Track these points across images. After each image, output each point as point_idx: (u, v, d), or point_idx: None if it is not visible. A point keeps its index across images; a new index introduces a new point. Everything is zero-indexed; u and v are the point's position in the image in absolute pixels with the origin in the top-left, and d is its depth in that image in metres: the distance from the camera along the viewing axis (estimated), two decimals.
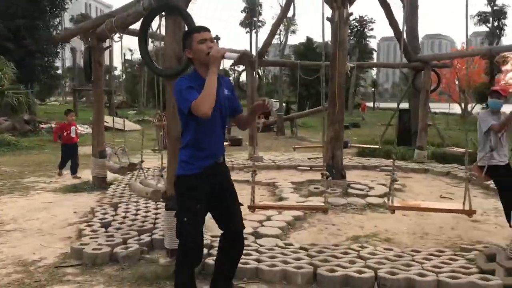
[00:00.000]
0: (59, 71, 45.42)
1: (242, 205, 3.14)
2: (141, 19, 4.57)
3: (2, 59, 15.86)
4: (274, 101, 39.11)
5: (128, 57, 51.72)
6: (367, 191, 6.92)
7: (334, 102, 6.86)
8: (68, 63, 73.11)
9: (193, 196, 2.91)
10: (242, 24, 56.90)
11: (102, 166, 7.56)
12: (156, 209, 5.65)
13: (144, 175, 5.62)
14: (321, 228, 5.29)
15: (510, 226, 4.77)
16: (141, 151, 6.03)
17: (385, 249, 4.31)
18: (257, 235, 4.80)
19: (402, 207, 4.78)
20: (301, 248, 4.32)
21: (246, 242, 4.41)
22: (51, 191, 7.54)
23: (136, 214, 5.44)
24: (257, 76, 11.50)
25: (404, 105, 15.38)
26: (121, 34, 6.09)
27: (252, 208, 4.50)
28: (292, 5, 10.11)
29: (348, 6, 6.73)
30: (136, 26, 5.79)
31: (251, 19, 54.72)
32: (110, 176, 7.86)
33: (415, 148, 10.99)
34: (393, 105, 57.77)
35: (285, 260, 3.94)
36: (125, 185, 7.31)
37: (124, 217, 5.31)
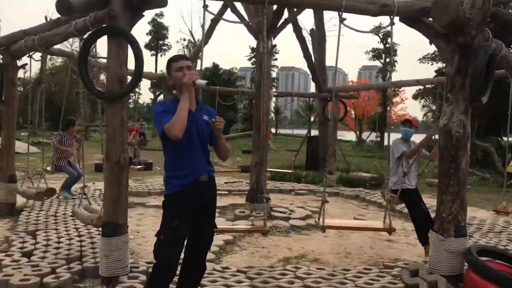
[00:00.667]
0: None
1: (216, 227, 3.22)
2: (71, 39, 4.47)
3: None
4: None
5: (20, 75, 48.31)
6: (289, 213, 7.21)
7: (259, 128, 7.11)
8: None
9: (172, 214, 2.97)
10: (147, 46, 56.11)
11: (12, 192, 7.02)
12: (79, 236, 5.40)
13: (89, 200, 5.38)
14: (252, 251, 5.42)
15: (422, 245, 5.27)
16: (83, 176, 5.72)
17: (317, 268, 4.55)
18: None
19: (333, 226, 5.09)
20: (238, 271, 4.41)
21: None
22: None
23: (59, 242, 5.14)
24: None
25: (303, 132, 16.24)
26: (45, 54, 5.83)
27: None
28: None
29: (272, 38, 7.10)
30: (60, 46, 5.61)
31: (156, 42, 54.22)
32: (19, 202, 7.32)
33: (326, 173, 11.62)
34: (295, 131, 60.34)
35: (226, 284, 4.01)
36: (38, 211, 6.85)
37: (47, 245, 5.00)
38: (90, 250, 4.87)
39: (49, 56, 8.06)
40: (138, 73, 3.96)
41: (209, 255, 4.92)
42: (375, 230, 5.33)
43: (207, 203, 3.14)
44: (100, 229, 4.31)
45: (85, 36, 4.23)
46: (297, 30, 8.69)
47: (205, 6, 4.11)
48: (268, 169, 11.87)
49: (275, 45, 7.16)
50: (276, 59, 52.08)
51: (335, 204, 9.02)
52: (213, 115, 3.12)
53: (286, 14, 7.13)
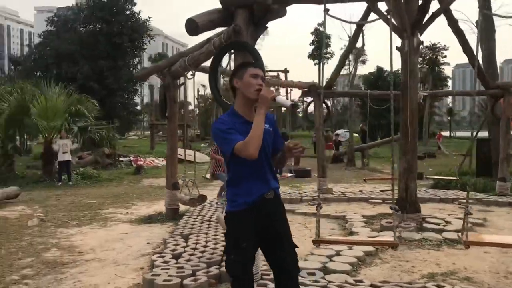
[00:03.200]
0: (138, 107, 48.02)
1: (297, 246, 2.97)
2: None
3: (86, 97, 17.08)
4: (344, 131, 38.62)
5: (201, 92, 53.79)
6: (444, 225, 6.57)
7: (406, 131, 6.66)
8: (146, 99, 77.24)
9: (239, 233, 2.84)
10: (310, 56, 57.36)
11: (175, 198, 7.80)
12: (224, 241, 5.71)
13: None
14: (394, 265, 5.06)
15: None
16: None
17: None
18: (325, 270, 4.67)
19: (479, 242, 4.47)
20: (372, 285, 4.16)
21: (314, 278, 4.35)
22: (127, 222, 7.88)
23: (205, 246, 5.53)
24: (325, 107, 11.49)
25: (484, 134, 14.60)
26: (194, 72, 6.36)
27: (317, 242, 4.42)
28: (361, 35, 10.08)
29: (418, 35, 6.59)
30: (208, 63, 6.06)
31: (319, 51, 55.10)
32: (182, 207, 8.09)
33: (497, 180, 10.32)
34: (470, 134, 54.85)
35: None
36: (196, 216, 7.48)
37: (194, 249, 5.41)
38: None
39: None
40: None
41: (345, 267, 4.78)
42: None
43: (274, 222, 2.91)
44: None
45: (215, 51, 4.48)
46: (452, 23, 7.91)
47: (326, 10, 4.01)
48: (428, 176, 11.10)
49: (421, 42, 6.61)
50: (445, 56, 48.26)
51: (506, 216, 7.93)
52: (272, 122, 2.93)
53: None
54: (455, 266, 4.95)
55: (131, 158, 21.20)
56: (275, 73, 28.59)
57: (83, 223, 7.76)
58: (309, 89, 10.98)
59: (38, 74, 25.54)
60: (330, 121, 34.61)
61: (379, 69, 46.17)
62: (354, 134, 19.39)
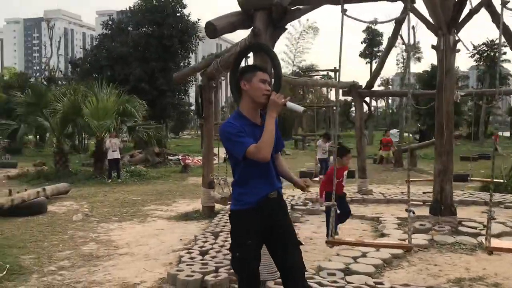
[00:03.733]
0: (193, 107, 48.82)
1: (301, 244, 3.04)
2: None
3: (135, 98, 17.70)
4: (397, 131, 37.66)
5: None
6: (481, 229, 6.31)
7: (441, 132, 6.47)
8: None
9: (244, 231, 2.92)
10: (362, 54, 56.36)
11: (210, 196, 7.98)
12: None
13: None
14: (420, 268, 4.95)
15: None
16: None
17: None
18: (347, 271, 4.65)
19: (503, 248, 4.30)
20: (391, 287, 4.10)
21: (333, 278, 4.34)
22: (165, 219, 8.14)
23: None
24: (366, 107, 11.33)
25: None
26: (226, 73, 6.50)
27: (330, 243, 4.41)
28: (413, 32, 9.85)
29: (455, 32, 6.39)
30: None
31: (371, 49, 54.06)
32: (219, 205, 8.25)
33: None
34: None
35: None
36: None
37: (222, 246, 5.52)
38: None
39: None
40: (276, 90, 4.09)
41: (369, 269, 4.74)
42: None
43: (276, 221, 2.97)
44: None
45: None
46: (496, 19, 7.56)
47: (344, 11, 4.00)
48: (472, 178, 10.66)
49: (458, 40, 6.40)
50: (505, 53, 45.88)
51: None
52: (276, 124, 2.92)
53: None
54: (485, 272, 4.78)
55: (180, 157, 21.79)
56: (324, 72, 28.42)
57: (124, 219, 8.10)
58: (349, 89, 10.87)
59: (94, 75, 26.72)
60: (371, 121, 33.75)
61: (434, 67, 44.60)
62: (409, 135, 18.84)
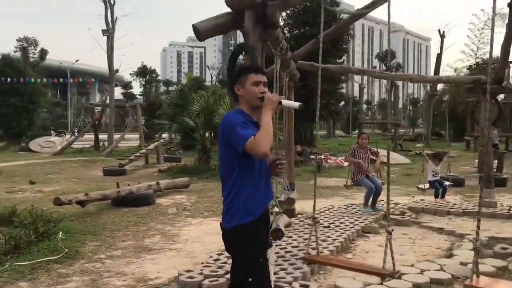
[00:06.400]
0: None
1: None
2: None
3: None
4: None
5: None
6: None
7: None
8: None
9: (252, 247, 2.68)
10: None
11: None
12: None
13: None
14: None
15: None
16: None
17: None
18: None
19: None
20: None
21: None
22: None
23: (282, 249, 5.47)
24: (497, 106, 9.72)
25: None
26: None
27: (307, 260, 3.96)
28: None
29: None
30: None
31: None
32: (298, 208, 8.03)
33: None
34: None
35: None
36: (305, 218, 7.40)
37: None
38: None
39: None
40: None
41: None
42: None
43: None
44: None
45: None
46: None
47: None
48: None
49: None
50: None
51: None
52: None
53: None
54: None
55: (322, 156, 21.75)
56: None
57: (210, 216, 8.43)
58: (473, 84, 9.48)
59: None
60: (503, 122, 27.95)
61: None
62: None
